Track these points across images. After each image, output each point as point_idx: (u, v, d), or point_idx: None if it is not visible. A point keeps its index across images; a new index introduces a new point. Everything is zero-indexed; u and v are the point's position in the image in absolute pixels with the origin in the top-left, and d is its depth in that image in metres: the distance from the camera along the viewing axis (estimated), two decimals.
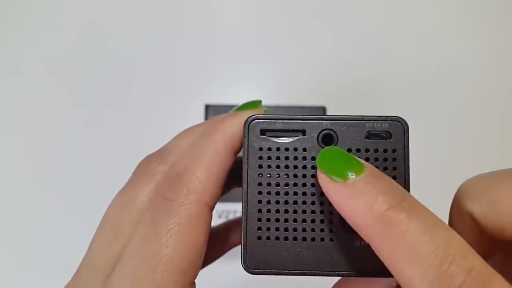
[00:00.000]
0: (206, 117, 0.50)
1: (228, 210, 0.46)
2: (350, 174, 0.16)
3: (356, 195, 0.16)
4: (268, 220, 0.19)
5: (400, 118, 0.18)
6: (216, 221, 0.44)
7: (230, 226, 0.27)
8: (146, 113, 0.54)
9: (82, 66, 0.56)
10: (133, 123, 0.54)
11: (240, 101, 0.53)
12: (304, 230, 0.18)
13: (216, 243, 0.26)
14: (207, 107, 0.50)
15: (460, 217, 0.17)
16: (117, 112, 0.54)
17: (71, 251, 0.49)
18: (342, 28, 0.58)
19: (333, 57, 0.56)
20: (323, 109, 0.50)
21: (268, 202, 0.19)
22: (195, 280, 0.19)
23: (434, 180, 0.48)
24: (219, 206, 0.46)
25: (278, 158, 0.19)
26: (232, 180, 0.21)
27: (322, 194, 0.18)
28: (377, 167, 0.18)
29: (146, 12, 0.58)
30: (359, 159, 0.17)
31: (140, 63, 0.56)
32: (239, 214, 0.46)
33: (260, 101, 0.21)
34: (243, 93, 0.55)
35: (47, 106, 0.54)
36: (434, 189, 0.40)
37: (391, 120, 0.18)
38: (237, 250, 0.27)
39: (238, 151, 0.20)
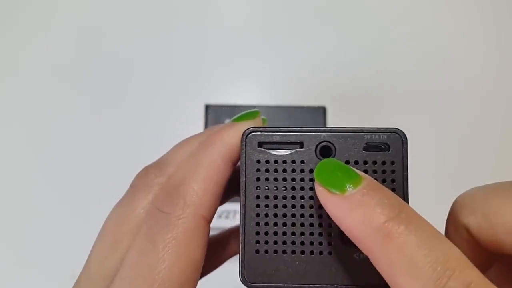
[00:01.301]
0: (206, 117, 0.49)
1: (228, 210, 0.46)
2: (347, 186, 0.16)
3: (354, 207, 0.16)
4: (266, 233, 0.18)
5: (399, 130, 0.18)
6: (216, 221, 0.44)
7: (229, 235, 0.27)
8: (146, 113, 0.54)
9: (81, 66, 0.56)
10: (133, 123, 0.54)
11: (240, 101, 0.54)
12: (302, 243, 0.18)
13: (214, 253, 0.26)
14: (207, 107, 0.50)
15: (456, 230, 0.18)
16: (117, 112, 0.54)
17: (71, 251, 0.49)
18: (342, 28, 0.57)
19: (333, 57, 0.56)
20: (323, 109, 0.50)
21: (266, 215, 0.18)
22: None
23: (433, 185, 0.48)
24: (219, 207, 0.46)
25: (276, 170, 0.19)
26: (231, 189, 0.21)
27: (320, 207, 0.17)
28: (375, 179, 0.18)
29: (145, 12, 0.58)
30: (357, 170, 0.17)
31: (140, 63, 0.56)
32: (238, 214, 0.46)
33: (258, 112, 0.21)
34: (243, 93, 0.55)
35: (46, 106, 0.54)
36: (434, 196, 0.40)
37: (390, 132, 0.18)
38: (234, 259, 0.27)
39: (237, 162, 0.20)
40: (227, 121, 0.49)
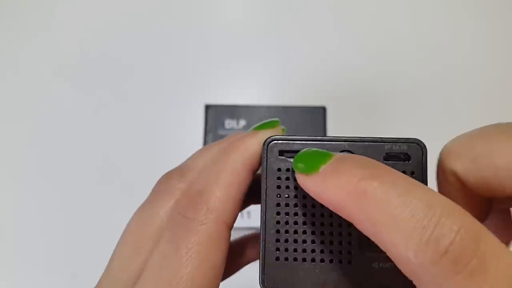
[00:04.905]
0: (206, 117, 0.49)
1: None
2: (321, 165, 0.16)
3: (327, 177, 0.16)
4: (286, 241, 0.19)
5: (419, 140, 0.19)
6: None
7: (245, 242, 0.28)
8: (146, 113, 0.54)
9: (81, 66, 0.56)
10: (133, 123, 0.54)
11: (240, 101, 0.54)
12: (322, 251, 0.18)
13: (231, 259, 0.26)
14: (207, 107, 0.50)
15: (445, 178, 0.17)
16: (116, 112, 0.54)
17: (71, 251, 0.49)
18: (342, 28, 0.58)
19: (333, 57, 0.56)
20: (323, 109, 0.50)
21: (286, 223, 0.19)
22: None
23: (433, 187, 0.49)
24: None
25: (296, 179, 0.19)
26: (249, 196, 0.21)
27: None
28: None
29: (145, 12, 0.58)
30: (327, 151, 0.17)
31: (140, 63, 0.56)
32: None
33: (278, 121, 0.21)
34: (243, 93, 0.55)
35: (45, 106, 0.54)
36: None
37: (410, 142, 0.19)
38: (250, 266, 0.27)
39: (257, 170, 0.20)
40: (227, 121, 0.49)
